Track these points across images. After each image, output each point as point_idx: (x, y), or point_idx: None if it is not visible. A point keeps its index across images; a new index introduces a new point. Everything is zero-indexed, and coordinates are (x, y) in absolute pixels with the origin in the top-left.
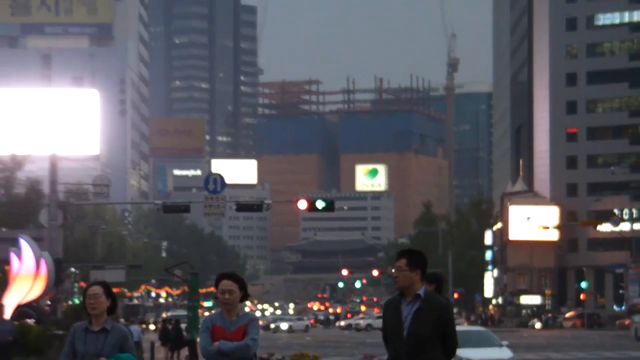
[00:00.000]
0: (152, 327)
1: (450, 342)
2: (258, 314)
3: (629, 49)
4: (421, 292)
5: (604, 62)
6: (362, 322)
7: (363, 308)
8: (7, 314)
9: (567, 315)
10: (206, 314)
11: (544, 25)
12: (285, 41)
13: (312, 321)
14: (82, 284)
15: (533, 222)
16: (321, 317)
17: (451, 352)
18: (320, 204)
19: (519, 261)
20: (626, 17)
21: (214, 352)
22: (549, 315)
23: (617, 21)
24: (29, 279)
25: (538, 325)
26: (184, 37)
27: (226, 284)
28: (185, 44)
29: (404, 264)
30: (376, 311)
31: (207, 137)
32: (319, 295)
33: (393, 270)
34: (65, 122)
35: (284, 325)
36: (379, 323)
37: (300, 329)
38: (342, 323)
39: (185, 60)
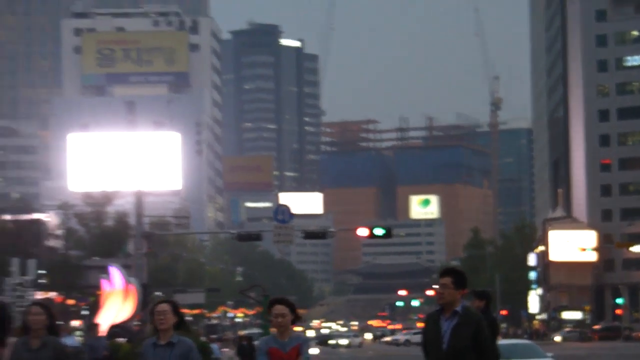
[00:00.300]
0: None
1: (486, 355)
2: (324, 331)
3: None
4: (459, 308)
5: (632, 99)
6: (402, 338)
7: (420, 325)
8: (101, 333)
9: (595, 327)
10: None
11: (578, 67)
12: (344, 84)
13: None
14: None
15: (572, 245)
16: (378, 333)
17: None
18: (379, 231)
19: (560, 280)
20: None
21: None
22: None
23: None
24: (118, 302)
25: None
26: (252, 84)
27: (279, 308)
28: (254, 89)
29: (450, 282)
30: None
31: (275, 172)
32: (379, 314)
33: (437, 287)
34: (149, 161)
35: (343, 341)
36: (416, 338)
37: (355, 345)
38: (388, 339)
39: (254, 104)
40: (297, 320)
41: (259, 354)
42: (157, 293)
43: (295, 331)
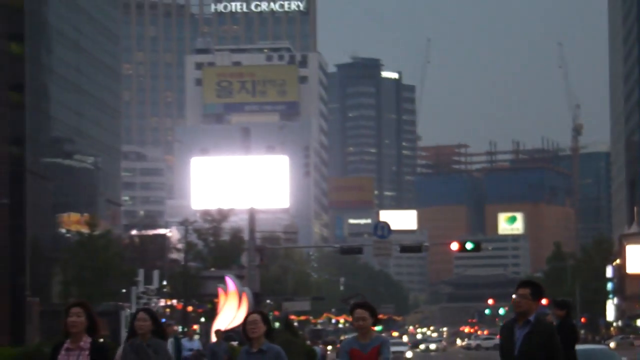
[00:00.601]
0: (330, 347)
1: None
2: (419, 336)
3: None
4: (532, 318)
5: None
6: (473, 343)
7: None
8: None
9: None
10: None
11: None
12: (439, 112)
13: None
14: (276, 313)
15: None
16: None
17: None
18: (469, 246)
19: (636, 290)
20: None
21: None
22: None
23: None
24: (233, 308)
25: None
26: (355, 112)
27: (359, 312)
28: (357, 117)
29: (528, 293)
30: (486, 333)
31: (376, 192)
32: (469, 320)
33: (514, 297)
34: (262, 182)
35: (432, 346)
36: (486, 343)
37: (440, 349)
38: (463, 343)
39: (357, 130)
40: (377, 323)
41: (341, 354)
42: (268, 301)
43: (375, 333)
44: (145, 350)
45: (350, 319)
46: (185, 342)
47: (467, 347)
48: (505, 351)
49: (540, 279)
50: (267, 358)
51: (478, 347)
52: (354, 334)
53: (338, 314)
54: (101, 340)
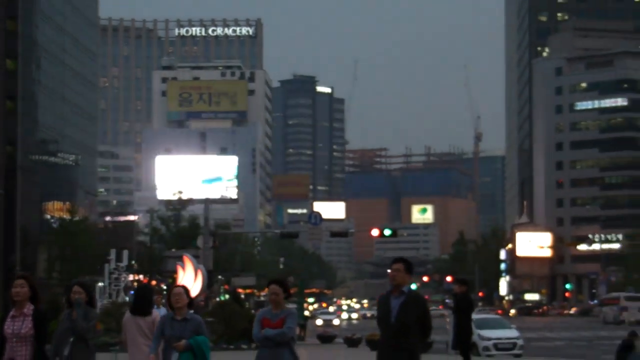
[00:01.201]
0: None
1: (425, 327)
2: (345, 307)
3: (599, 126)
4: (405, 289)
5: (581, 134)
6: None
7: None
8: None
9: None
10: (311, 307)
11: (541, 110)
12: (364, 120)
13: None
14: (226, 286)
15: (533, 244)
16: None
17: (427, 334)
18: (387, 232)
19: (524, 270)
20: (596, 104)
21: (261, 337)
22: (544, 308)
23: (590, 107)
24: (190, 283)
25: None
26: (295, 120)
27: (273, 287)
28: (296, 124)
29: (402, 268)
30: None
31: (311, 187)
32: None
33: (389, 271)
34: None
35: (354, 315)
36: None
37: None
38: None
39: (296, 135)
40: (289, 297)
41: (256, 321)
42: (220, 277)
43: (286, 306)
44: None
45: (291, 291)
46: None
47: (363, 316)
48: (382, 319)
49: (446, 260)
50: (189, 325)
51: (373, 316)
52: (269, 306)
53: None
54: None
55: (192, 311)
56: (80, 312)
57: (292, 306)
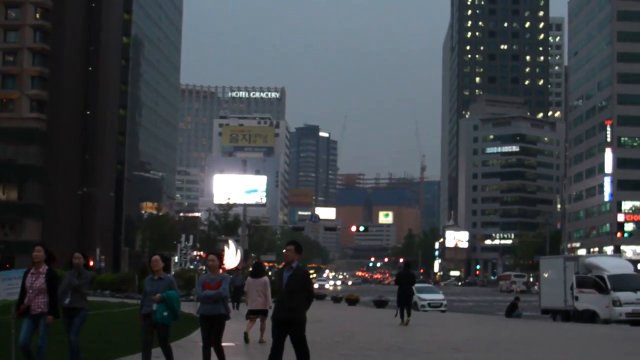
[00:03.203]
0: None
1: (308, 293)
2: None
3: (500, 163)
4: (294, 265)
5: (489, 169)
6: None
7: (379, 275)
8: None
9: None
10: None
11: (464, 152)
12: (351, 156)
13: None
14: (256, 260)
15: (456, 238)
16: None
17: (310, 299)
18: (362, 228)
19: (450, 256)
20: (499, 149)
21: (202, 297)
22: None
23: (495, 151)
24: (232, 257)
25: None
26: (304, 154)
27: (210, 256)
28: (305, 156)
29: (293, 249)
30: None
31: (313, 197)
32: (361, 269)
33: (284, 251)
34: (251, 190)
35: (338, 282)
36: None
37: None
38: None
39: (305, 164)
40: (221, 265)
41: (197, 284)
42: (252, 254)
43: (221, 272)
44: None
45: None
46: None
47: (354, 283)
48: (278, 287)
49: (400, 247)
50: (163, 282)
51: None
52: (208, 272)
53: None
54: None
55: (168, 274)
56: (75, 272)
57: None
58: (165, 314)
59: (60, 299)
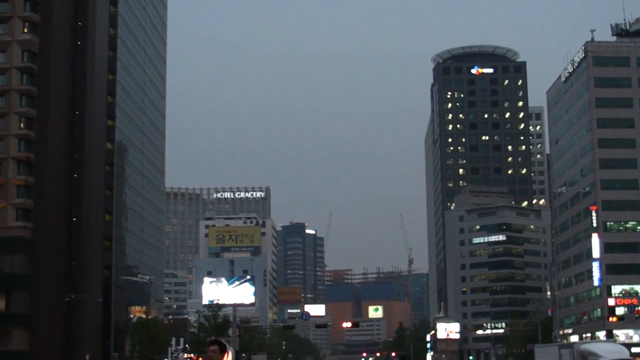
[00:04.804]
0: None
1: None
2: None
3: (487, 253)
4: None
5: (476, 259)
6: None
7: None
8: None
9: None
10: None
11: (450, 243)
12: (337, 253)
13: None
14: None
15: (447, 330)
16: None
17: None
18: (351, 324)
19: (442, 348)
20: (486, 239)
21: None
22: None
23: (481, 241)
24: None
25: None
26: (292, 252)
27: (212, 348)
28: (292, 254)
29: (217, 349)
30: None
31: (302, 295)
32: None
33: (207, 353)
34: (240, 290)
35: None
36: None
37: None
38: None
39: (293, 261)
40: (222, 355)
41: None
42: (243, 354)
43: None
44: None
45: None
46: None
47: None
48: None
49: (391, 341)
50: None
51: None
52: None
53: None
54: None
55: None
56: None
57: None
58: None
59: None
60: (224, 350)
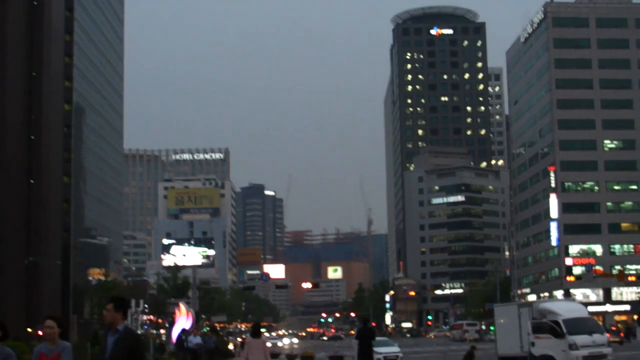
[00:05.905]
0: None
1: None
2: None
3: (446, 214)
4: (120, 327)
5: (435, 219)
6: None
7: (333, 330)
8: (175, 337)
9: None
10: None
11: (410, 204)
12: (296, 213)
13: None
14: (207, 322)
15: (406, 290)
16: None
17: None
18: (311, 285)
19: (401, 307)
20: (445, 200)
21: None
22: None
23: (440, 202)
24: (184, 321)
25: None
26: (251, 213)
27: (49, 323)
28: (252, 216)
29: (112, 307)
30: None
31: (262, 256)
32: (312, 325)
33: (104, 311)
34: (200, 252)
35: (286, 341)
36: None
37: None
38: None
39: (252, 223)
40: (64, 333)
41: (34, 356)
42: (203, 316)
43: (62, 341)
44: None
45: (249, 325)
46: (191, 338)
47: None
48: (100, 354)
49: (351, 302)
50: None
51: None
52: (45, 341)
53: (241, 322)
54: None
55: (66, 341)
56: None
57: (66, 343)
58: None
59: None
60: (119, 308)
